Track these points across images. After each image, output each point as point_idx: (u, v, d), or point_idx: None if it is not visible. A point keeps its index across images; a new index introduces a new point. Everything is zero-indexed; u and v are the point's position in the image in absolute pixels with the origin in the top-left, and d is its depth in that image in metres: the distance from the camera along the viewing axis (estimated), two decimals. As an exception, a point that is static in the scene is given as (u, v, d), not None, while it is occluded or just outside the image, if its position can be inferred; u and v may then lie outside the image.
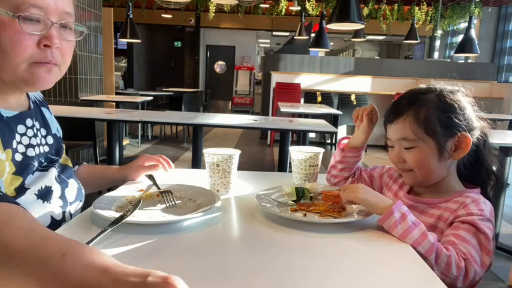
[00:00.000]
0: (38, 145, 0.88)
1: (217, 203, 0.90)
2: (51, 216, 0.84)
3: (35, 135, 0.87)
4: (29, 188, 0.80)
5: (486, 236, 0.84)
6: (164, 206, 0.92)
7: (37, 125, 0.90)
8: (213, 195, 0.96)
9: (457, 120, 0.92)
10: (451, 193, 0.96)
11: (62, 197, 0.90)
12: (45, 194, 0.84)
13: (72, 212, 0.92)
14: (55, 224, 0.84)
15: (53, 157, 0.92)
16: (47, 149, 0.91)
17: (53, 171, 0.89)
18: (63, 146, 1.00)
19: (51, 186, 0.86)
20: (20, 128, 0.83)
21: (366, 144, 1.16)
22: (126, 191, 1.00)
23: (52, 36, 0.74)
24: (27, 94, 0.92)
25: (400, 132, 0.96)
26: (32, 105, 0.91)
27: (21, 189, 0.78)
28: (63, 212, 0.88)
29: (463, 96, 0.97)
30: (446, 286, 0.61)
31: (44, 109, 0.97)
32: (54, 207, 0.86)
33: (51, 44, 0.75)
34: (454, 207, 0.91)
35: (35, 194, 0.81)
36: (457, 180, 0.99)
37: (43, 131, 0.92)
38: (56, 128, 0.99)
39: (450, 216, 0.90)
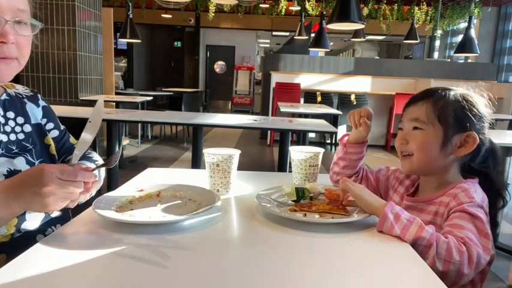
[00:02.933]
0: (4, 132, 0.90)
1: (217, 203, 0.90)
2: None
3: None
4: None
5: (480, 219, 0.84)
6: (164, 206, 0.92)
7: (9, 114, 0.93)
8: (213, 195, 0.96)
9: (472, 119, 0.94)
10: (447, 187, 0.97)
11: None
12: (13, 175, 0.83)
13: None
14: None
15: (27, 145, 0.94)
16: (21, 136, 0.94)
17: (21, 160, 0.90)
18: (48, 135, 1.01)
19: (20, 170, 0.87)
20: None
21: (367, 140, 1.16)
22: (126, 191, 1.00)
23: (7, 33, 0.80)
24: (4, 88, 0.96)
25: (415, 114, 0.99)
26: (6, 97, 0.94)
27: None
28: None
29: (485, 107, 0.99)
30: (446, 285, 0.61)
31: (27, 102, 1.00)
32: None
33: (7, 40, 0.80)
34: (446, 201, 0.92)
35: (4, 174, 0.84)
36: (457, 176, 1.00)
37: (20, 120, 0.95)
38: (43, 120, 1.01)
39: (444, 211, 0.91)
